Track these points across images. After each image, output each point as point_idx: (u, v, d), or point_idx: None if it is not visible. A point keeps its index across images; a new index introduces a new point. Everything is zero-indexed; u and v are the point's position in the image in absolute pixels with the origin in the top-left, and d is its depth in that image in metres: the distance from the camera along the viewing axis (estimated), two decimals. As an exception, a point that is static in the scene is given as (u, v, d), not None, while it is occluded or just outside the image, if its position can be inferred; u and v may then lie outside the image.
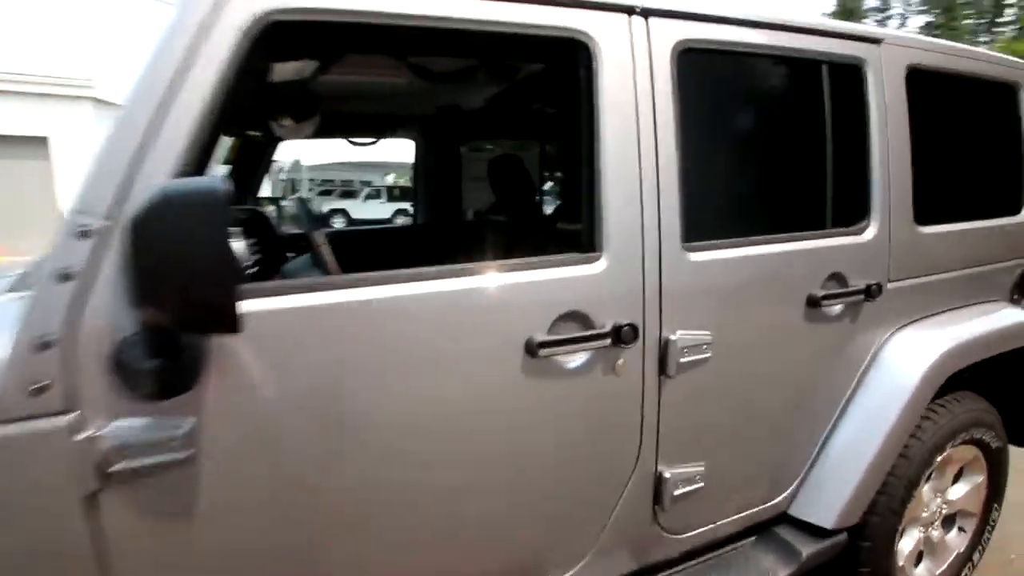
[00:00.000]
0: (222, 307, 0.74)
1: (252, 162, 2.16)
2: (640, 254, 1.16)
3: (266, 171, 2.25)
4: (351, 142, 2.36)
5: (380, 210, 14.95)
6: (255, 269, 1.50)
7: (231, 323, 0.74)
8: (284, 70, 1.36)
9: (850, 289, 1.44)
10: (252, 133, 2.09)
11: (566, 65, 1.19)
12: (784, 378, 1.43)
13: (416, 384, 1.01)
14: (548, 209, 2.69)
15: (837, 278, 1.43)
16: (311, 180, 15.90)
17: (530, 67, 1.77)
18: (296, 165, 14.43)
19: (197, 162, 0.85)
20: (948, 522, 1.81)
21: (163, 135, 0.82)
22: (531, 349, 1.05)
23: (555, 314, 1.08)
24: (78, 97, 11.56)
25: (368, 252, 2.33)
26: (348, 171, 16.58)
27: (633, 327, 1.12)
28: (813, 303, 1.39)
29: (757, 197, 1.47)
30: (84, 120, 11.49)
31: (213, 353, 0.85)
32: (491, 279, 1.05)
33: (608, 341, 1.11)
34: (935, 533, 1.76)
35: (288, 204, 2.52)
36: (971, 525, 1.83)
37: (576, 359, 1.11)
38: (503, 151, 2.80)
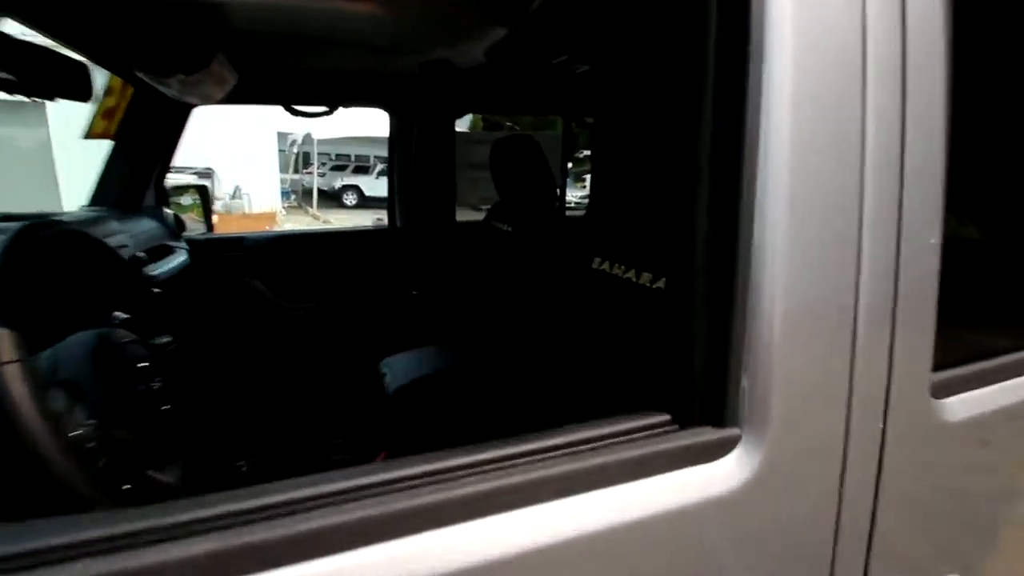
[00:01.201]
0: None
1: (144, 138, 1.46)
2: (844, 425, 0.43)
3: (171, 149, 1.54)
4: (293, 111, 1.64)
5: (393, 187, 14.30)
6: None
7: None
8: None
9: None
10: (138, 97, 1.38)
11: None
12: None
13: None
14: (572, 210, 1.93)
15: None
16: (324, 154, 15.21)
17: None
18: (308, 139, 13.67)
19: None
20: None
21: None
22: None
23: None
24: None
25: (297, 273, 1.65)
26: (364, 146, 15.87)
27: None
28: None
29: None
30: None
31: None
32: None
33: None
34: None
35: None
36: None
37: None
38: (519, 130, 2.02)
